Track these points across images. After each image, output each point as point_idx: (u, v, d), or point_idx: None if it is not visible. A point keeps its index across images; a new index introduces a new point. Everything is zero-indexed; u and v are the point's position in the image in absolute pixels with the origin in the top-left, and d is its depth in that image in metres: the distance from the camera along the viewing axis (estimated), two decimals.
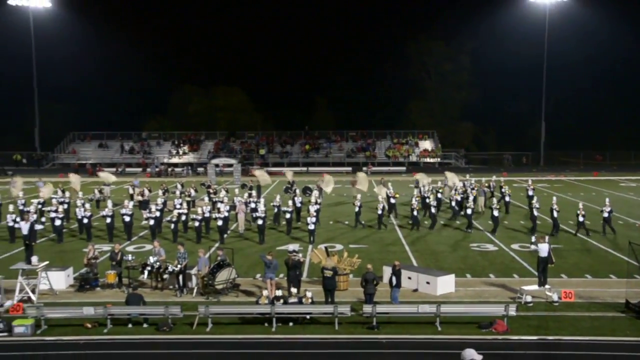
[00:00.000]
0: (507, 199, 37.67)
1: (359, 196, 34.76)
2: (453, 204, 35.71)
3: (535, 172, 60.86)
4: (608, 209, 30.98)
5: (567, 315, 18.65)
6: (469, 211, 32.36)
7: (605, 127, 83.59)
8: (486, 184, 40.81)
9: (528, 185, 39.14)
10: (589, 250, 27.82)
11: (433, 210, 33.29)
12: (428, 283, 21.02)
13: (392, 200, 36.46)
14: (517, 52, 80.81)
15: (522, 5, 75.36)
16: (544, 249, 20.81)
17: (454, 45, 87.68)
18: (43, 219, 31.80)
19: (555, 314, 18.83)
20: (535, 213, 31.27)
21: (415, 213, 32.68)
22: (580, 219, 30.32)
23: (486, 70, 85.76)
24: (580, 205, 31.25)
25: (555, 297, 19.74)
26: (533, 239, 23.20)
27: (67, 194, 37.15)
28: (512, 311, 17.59)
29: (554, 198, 32.81)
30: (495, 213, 31.55)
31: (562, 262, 24.68)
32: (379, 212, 32.88)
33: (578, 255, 26.74)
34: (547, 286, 20.53)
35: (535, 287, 20.67)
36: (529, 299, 19.75)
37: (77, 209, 31.20)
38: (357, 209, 33.32)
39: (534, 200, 32.60)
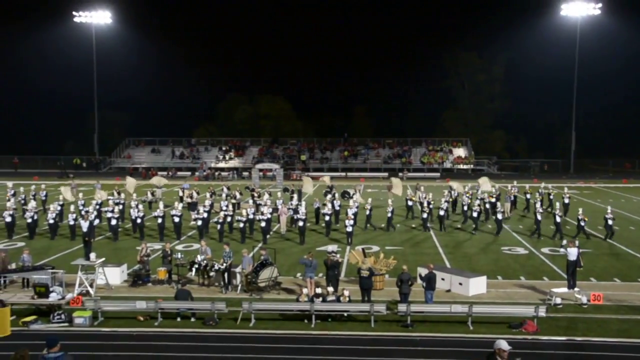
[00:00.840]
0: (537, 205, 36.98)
1: (389, 201, 34.55)
2: (487, 206, 35.49)
3: (565, 179, 59.76)
4: (610, 215, 30.52)
5: (595, 317, 18.27)
6: (499, 216, 31.98)
7: (634, 136, 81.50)
8: (512, 190, 40.08)
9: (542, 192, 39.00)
10: (617, 255, 27.17)
11: (475, 214, 32.90)
12: (460, 284, 20.81)
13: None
14: (549, 63, 79.56)
15: (554, 18, 74.12)
16: (573, 253, 20.52)
17: (487, 57, 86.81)
18: (98, 219, 32.32)
19: (583, 315, 18.46)
20: (557, 219, 30.95)
21: (442, 213, 33.09)
22: (582, 223, 30.12)
23: (518, 80, 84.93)
24: (580, 211, 31.09)
25: (584, 300, 19.36)
26: (564, 242, 22.78)
27: (123, 195, 37.75)
28: (542, 312, 17.29)
29: (580, 209, 32.12)
30: (539, 217, 31.37)
31: (592, 266, 24.17)
32: (389, 214, 32.91)
33: (607, 260, 26.14)
34: (576, 289, 20.17)
35: (564, 289, 20.31)
36: (558, 300, 19.40)
37: (132, 210, 31.66)
38: (389, 214, 33.16)
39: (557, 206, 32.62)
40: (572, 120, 74.73)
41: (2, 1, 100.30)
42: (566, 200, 36.95)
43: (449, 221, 34.78)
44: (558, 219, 30.83)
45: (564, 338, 16.66)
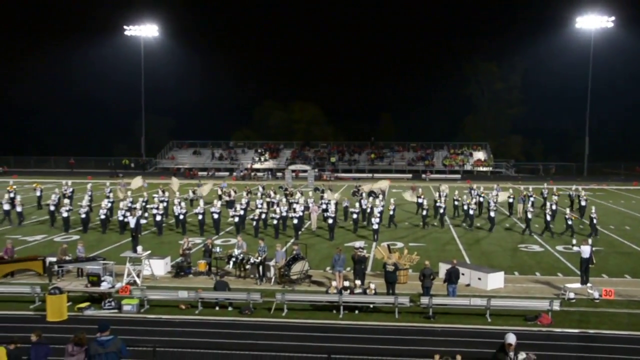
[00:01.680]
0: (554, 206, 36.27)
1: (392, 200, 34.80)
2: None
3: (578, 181, 58.77)
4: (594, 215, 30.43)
5: (606, 311, 18.04)
6: (492, 214, 32.45)
7: None
8: (524, 192, 39.44)
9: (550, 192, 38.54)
10: (629, 253, 26.69)
11: (492, 214, 32.57)
12: (479, 279, 20.68)
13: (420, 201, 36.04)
14: (564, 72, 78.28)
15: (569, 30, 72.85)
16: (586, 250, 20.34)
17: (505, 67, 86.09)
18: (147, 214, 32.81)
19: (595, 310, 18.22)
20: (548, 218, 31.17)
21: (471, 212, 32.93)
22: (594, 221, 30.09)
23: (535, 88, 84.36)
24: (592, 209, 31.05)
25: (596, 295, 19.12)
26: (574, 241, 22.53)
27: (167, 193, 38.11)
28: (556, 306, 17.13)
29: (593, 207, 31.70)
30: (529, 215, 31.41)
31: (604, 263, 23.84)
32: (391, 212, 33.20)
33: (618, 257, 25.71)
34: (588, 284, 19.97)
35: (577, 285, 20.13)
36: (571, 295, 19.20)
37: (175, 207, 31.88)
38: (424, 212, 33.51)
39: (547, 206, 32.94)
40: (585, 126, 73.56)
41: (63, 16, 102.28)
42: (583, 203, 36.12)
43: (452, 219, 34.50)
44: (548, 217, 31.03)
45: (577, 330, 16.47)
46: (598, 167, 73.63)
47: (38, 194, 40.23)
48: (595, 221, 30.07)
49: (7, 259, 22.08)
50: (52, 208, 32.94)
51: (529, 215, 31.34)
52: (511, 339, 10.36)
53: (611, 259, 25.25)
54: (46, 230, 31.37)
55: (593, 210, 30.69)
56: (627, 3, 75.51)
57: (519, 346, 10.54)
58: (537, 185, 45.06)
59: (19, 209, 33.53)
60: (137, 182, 43.77)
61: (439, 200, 34.72)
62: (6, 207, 33.91)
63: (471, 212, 33.12)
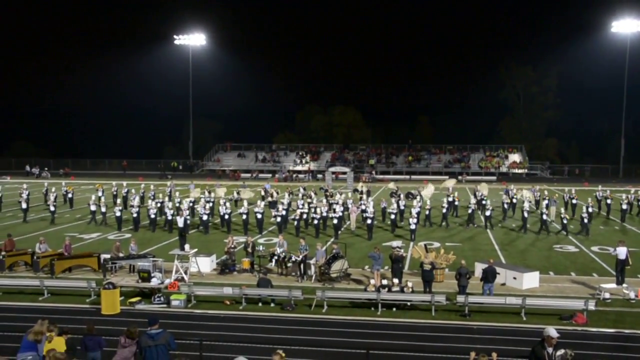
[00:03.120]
0: (590, 210, 35.19)
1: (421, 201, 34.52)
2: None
3: (614, 182, 57.13)
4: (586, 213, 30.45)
5: None
6: (487, 212, 32.49)
7: None
8: (556, 194, 38.65)
9: (571, 195, 37.59)
10: None
11: (525, 214, 31.99)
12: (515, 278, 20.30)
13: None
14: (599, 75, 76.60)
15: (605, 34, 71.00)
16: (622, 251, 19.93)
17: (540, 70, 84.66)
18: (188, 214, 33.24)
19: (631, 310, 17.68)
20: (544, 217, 31.31)
21: (487, 213, 32.75)
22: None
23: (570, 91, 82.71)
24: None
25: (632, 295, 18.61)
26: (617, 246, 21.93)
27: (213, 194, 38.63)
28: (592, 306, 16.67)
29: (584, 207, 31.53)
30: (525, 215, 31.59)
31: (639, 264, 23.04)
32: (427, 212, 33.24)
33: None
34: (624, 285, 19.46)
35: (613, 285, 19.57)
36: (607, 295, 18.67)
37: (220, 207, 32.20)
38: (444, 211, 33.40)
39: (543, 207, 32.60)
40: (621, 128, 71.55)
41: (118, 27, 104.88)
42: (624, 207, 34.99)
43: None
44: (545, 217, 31.18)
45: (612, 330, 16.02)
46: (634, 168, 71.61)
47: (100, 194, 41.18)
48: (586, 221, 30.13)
49: (66, 255, 22.69)
50: (92, 208, 33.72)
51: (525, 215, 31.48)
52: (553, 332, 10.16)
53: None
54: (101, 229, 32.09)
55: (584, 210, 30.85)
56: None
57: (556, 344, 10.34)
58: (577, 188, 43.97)
59: (103, 209, 33.80)
60: (220, 190, 41.61)
61: (471, 203, 34.45)
62: (93, 207, 33.99)
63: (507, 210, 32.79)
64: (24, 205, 34.92)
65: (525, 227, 31.50)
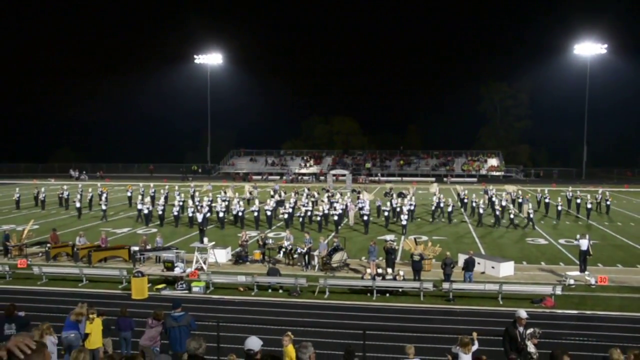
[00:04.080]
0: (559, 208, 34.92)
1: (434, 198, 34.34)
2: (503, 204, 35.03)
3: (577, 183, 57.31)
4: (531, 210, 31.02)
5: (601, 295, 17.66)
6: (480, 210, 32.44)
7: (635, 150, 78.08)
8: (528, 194, 38.57)
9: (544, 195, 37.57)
10: (620, 246, 25.96)
11: (497, 212, 31.99)
12: (493, 267, 20.35)
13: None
14: (565, 91, 78.15)
15: (569, 55, 72.11)
16: (584, 243, 20.08)
17: (514, 86, 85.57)
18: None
19: (592, 294, 17.84)
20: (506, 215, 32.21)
21: (481, 211, 32.30)
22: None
23: (540, 104, 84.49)
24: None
25: (592, 281, 18.72)
26: (578, 236, 21.96)
27: (228, 194, 38.67)
28: (558, 291, 16.85)
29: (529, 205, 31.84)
30: (497, 212, 31.84)
31: (599, 254, 23.11)
32: (411, 208, 33.00)
33: (611, 249, 24.99)
34: (586, 272, 19.60)
35: (577, 272, 19.75)
36: (571, 282, 18.80)
37: (235, 205, 32.39)
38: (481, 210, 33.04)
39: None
40: (584, 136, 72.22)
41: (147, 49, 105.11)
42: (589, 206, 34.60)
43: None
44: (497, 212, 31.65)
45: (575, 312, 16.15)
46: (595, 171, 72.25)
47: (129, 194, 41.27)
48: (531, 216, 30.79)
49: (102, 247, 22.81)
50: (139, 207, 33.74)
51: (497, 212, 31.69)
52: (523, 314, 10.26)
53: (605, 251, 24.57)
54: (131, 224, 32.19)
55: (530, 207, 31.39)
56: (618, 33, 76.54)
57: (526, 324, 10.42)
58: (550, 188, 43.92)
59: (145, 210, 32.91)
60: (232, 191, 42.36)
61: (443, 200, 34.62)
62: (140, 206, 33.22)
63: (481, 210, 32.52)
64: (77, 205, 34.58)
65: (498, 221, 31.59)
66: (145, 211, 31.82)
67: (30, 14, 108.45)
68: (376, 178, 67.81)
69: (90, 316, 11.20)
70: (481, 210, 32.38)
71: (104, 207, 34.45)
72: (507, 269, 20.32)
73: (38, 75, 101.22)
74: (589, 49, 68.70)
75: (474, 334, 10.59)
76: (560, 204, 34.21)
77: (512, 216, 31.49)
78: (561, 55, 74.53)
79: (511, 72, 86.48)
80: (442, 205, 34.45)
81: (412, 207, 33.24)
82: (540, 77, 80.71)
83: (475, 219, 32.77)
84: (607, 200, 37.12)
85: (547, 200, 37.09)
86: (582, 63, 70.88)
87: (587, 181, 63.83)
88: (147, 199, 35.77)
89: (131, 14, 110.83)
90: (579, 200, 36.70)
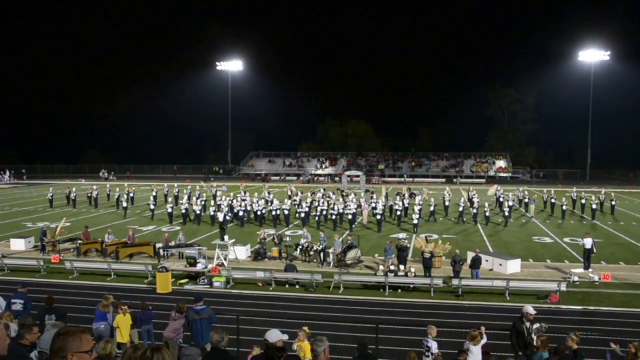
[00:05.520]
0: (564, 207, 34.33)
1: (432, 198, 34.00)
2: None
3: (582, 184, 56.66)
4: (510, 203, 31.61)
5: (604, 291, 17.49)
6: (506, 213, 31.88)
7: (636, 152, 77.12)
8: (535, 194, 38.14)
9: (551, 195, 37.12)
10: (622, 244, 25.62)
11: (506, 212, 31.65)
12: (500, 265, 20.18)
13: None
14: (570, 95, 76.79)
15: (573, 62, 71.47)
16: (588, 242, 19.89)
17: (521, 91, 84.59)
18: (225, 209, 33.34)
19: (595, 290, 17.65)
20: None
21: (487, 214, 31.64)
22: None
23: (546, 108, 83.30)
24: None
25: (596, 278, 18.53)
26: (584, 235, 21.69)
27: (248, 193, 38.83)
28: (563, 287, 16.74)
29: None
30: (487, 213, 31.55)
31: (602, 252, 22.92)
32: (431, 209, 33.03)
33: (614, 248, 24.68)
34: (590, 270, 19.42)
35: (581, 270, 19.58)
36: (576, 278, 18.59)
37: (254, 204, 32.46)
38: (474, 210, 32.81)
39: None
40: (588, 139, 71.37)
41: (171, 56, 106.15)
42: (594, 206, 34.05)
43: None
44: (506, 213, 31.35)
45: (580, 307, 16.01)
46: (598, 173, 71.28)
47: (154, 193, 41.55)
48: (506, 213, 31.11)
49: (129, 244, 23.08)
50: (152, 206, 34.01)
51: (487, 213, 31.55)
52: (531, 310, 10.15)
53: (608, 249, 24.27)
54: (155, 222, 32.48)
55: (507, 205, 31.60)
56: (621, 40, 75.72)
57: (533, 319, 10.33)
58: (556, 189, 43.37)
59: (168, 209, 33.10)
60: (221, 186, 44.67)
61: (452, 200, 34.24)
62: (152, 206, 33.93)
63: (487, 213, 31.96)
64: (124, 204, 34.81)
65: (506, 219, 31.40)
66: (169, 209, 32.06)
67: (65, 20, 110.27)
68: (403, 179, 67.39)
69: (123, 308, 11.39)
70: (487, 213, 31.94)
71: (124, 205, 34.95)
72: (514, 266, 20.12)
73: (70, 81, 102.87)
74: (592, 56, 68.28)
75: (482, 328, 10.51)
76: (565, 203, 33.78)
77: (487, 214, 31.45)
78: (566, 62, 74.04)
79: (518, 78, 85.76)
80: (501, 201, 34.37)
81: (432, 208, 33.04)
82: (545, 82, 79.99)
83: (483, 220, 32.50)
84: (612, 200, 36.60)
85: (552, 201, 36.66)
86: (586, 69, 70.44)
87: (591, 182, 63.09)
88: (170, 199, 36.04)
89: (157, 24, 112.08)
90: (583, 201, 36.12)
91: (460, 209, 32.75)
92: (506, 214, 31.39)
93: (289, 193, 41.48)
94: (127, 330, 11.41)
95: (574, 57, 70.72)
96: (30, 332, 4.31)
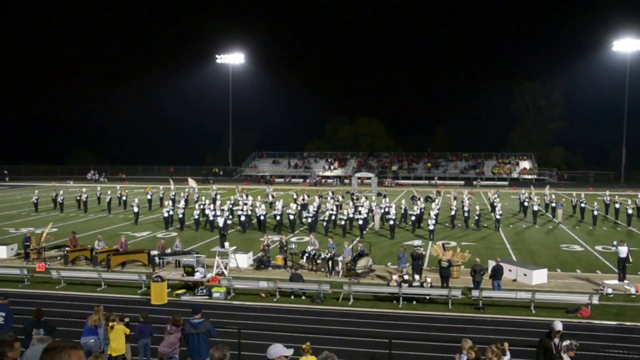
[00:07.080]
0: (595, 212, 33.97)
1: (454, 203, 34.04)
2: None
3: (616, 187, 55.93)
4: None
5: None
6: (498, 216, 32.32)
7: None
8: (563, 199, 37.93)
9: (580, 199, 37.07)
10: None
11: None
12: (525, 275, 20.04)
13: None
14: (602, 90, 76.05)
15: (607, 52, 70.11)
16: (623, 250, 19.61)
17: (548, 85, 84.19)
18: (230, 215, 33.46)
19: (632, 304, 17.34)
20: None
21: (498, 216, 32.10)
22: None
23: (575, 104, 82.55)
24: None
25: (632, 290, 18.29)
26: (615, 242, 21.48)
27: (250, 197, 38.85)
28: (595, 300, 16.43)
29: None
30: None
31: (639, 262, 22.53)
32: (452, 213, 32.97)
33: None
34: (625, 281, 19.12)
35: (615, 281, 19.27)
36: (609, 291, 18.34)
37: (256, 209, 32.47)
38: (465, 214, 32.59)
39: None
40: (622, 138, 70.55)
41: (168, 49, 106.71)
42: (630, 211, 33.54)
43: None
44: (498, 216, 31.78)
45: (614, 323, 15.73)
46: (634, 175, 70.36)
47: (149, 197, 41.78)
48: (498, 217, 31.60)
49: (120, 251, 23.13)
50: (135, 209, 34.02)
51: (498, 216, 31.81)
52: (559, 326, 10.09)
53: None
54: (151, 228, 32.60)
55: (498, 207, 32.05)
56: None
57: (562, 335, 10.23)
58: (586, 192, 43.13)
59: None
60: (193, 182, 46.36)
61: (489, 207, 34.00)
62: (199, 212, 33.21)
63: (498, 215, 32.24)
64: (135, 209, 34.40)
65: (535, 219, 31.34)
66: (165, 214, 32.17)
67: (50, 15, 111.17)
68: (432, 182, 67.45)
69: (110, 324, 11.36)
70: (498, 216, 31.94)
71: (135, 210, 34.35)
72: (540, 276, 19.98)
73: (57, 76, 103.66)
74: (629, 45, 66.66)
75: (506, 345, 10.42)
76: (596, 208, 33.51)
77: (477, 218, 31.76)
78: (598, 52, 72.91)
79: (545, 71, 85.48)
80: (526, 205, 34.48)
81: (453, 213, 32.99)
82: (575, 75, 79.09)
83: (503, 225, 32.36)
84: (582, 202, 36.24)
85: (582, 205, 36.39)
86: (622, 60, 69.03)
87: (626, 185, 62.44)
88: (167, 202, 36.13)
89: (151, 14, 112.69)
90: (618, 205, 35.71)
91: (477, 213, 32.41)
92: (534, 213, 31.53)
93: (295, 196, 41.48)
94: (122, 343, 11.41)
95: (607, 47, 69.47)
96: (12, 349, 4.29)
